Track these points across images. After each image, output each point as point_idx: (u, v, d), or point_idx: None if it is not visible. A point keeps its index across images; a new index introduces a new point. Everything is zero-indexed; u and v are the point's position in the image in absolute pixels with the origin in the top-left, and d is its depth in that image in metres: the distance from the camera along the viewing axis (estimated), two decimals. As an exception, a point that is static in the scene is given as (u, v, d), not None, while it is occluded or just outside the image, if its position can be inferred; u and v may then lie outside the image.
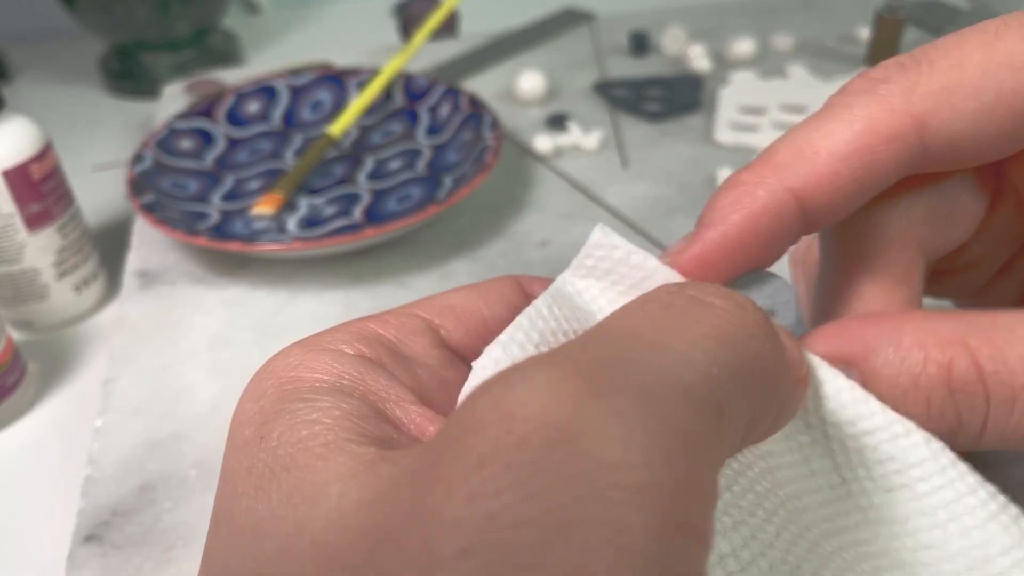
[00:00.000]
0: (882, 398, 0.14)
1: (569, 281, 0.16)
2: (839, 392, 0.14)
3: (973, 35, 0.15)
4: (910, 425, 0.14)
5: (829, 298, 0.17)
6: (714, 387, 0.11)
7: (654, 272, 0.15)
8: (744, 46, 0.47)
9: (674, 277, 0.15)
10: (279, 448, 0.12)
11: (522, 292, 0.17)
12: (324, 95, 0.42)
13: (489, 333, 0.15)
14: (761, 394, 0.12)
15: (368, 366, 0.14)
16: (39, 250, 0.32)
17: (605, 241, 0.16)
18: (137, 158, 0.36)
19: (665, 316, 0.12)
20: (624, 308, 0.13)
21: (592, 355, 0.11)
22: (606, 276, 0.16)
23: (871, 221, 0.17)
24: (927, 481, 0.14)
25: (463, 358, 0.16)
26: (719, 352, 0.11)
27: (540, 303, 0.15)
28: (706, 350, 0.11)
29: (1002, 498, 0.14)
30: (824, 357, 0.15)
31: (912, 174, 0.16)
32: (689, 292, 0.13)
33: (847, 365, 0.14)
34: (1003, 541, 0.14)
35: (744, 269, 0.16)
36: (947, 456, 0.14)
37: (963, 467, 0.14)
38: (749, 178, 0.16)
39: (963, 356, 0.14)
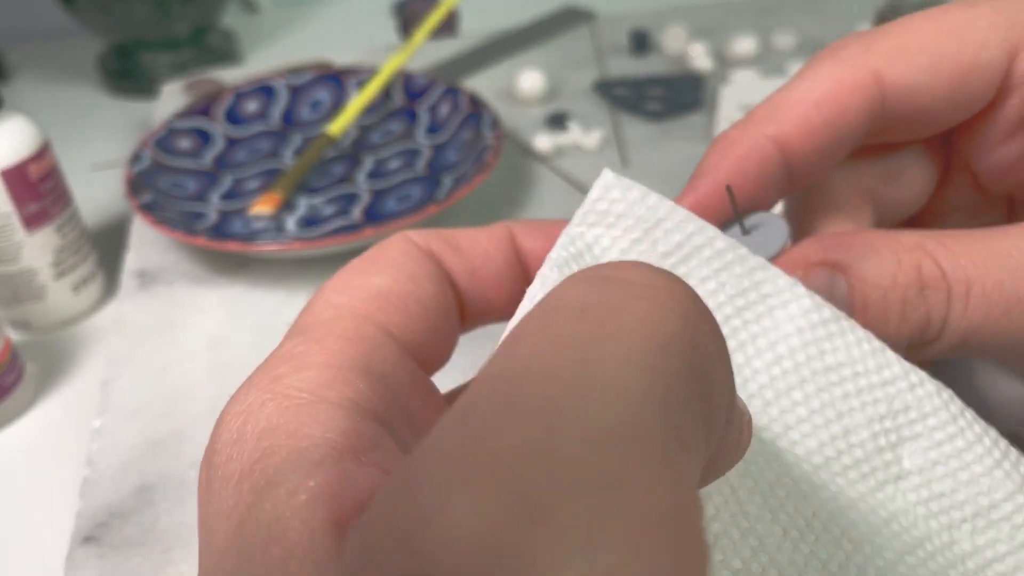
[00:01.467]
0: (867, 301, 0.16)
1: (578, 235, 0.15)
2: (859, 342, 0.15)
3: (920, 14, 0.18)
4: (923, 374, 0.15)
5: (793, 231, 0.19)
6: (669, 417, 0.09)
7: (671, 213, 0.15)
8: (745, 45, 0.47)
9: (691, 218, 0.15)
10: (257, 538, 0.11)
11: (511, 246, 0.16)
12: (323, 94, 0.42)
13: (427, 317, 0.14)
14: (712, 394, 0.10)
15: (358, 422, 0.12)
16: (37, 250, 0.31)
17: (617, 183, 0.15)
18: (136, 158, 0.36)
19: (583, 337, 0.09)
20: (527, 332, 0.10)
21: (511, 442, 0.08)
22: (619, 221, 0.15)
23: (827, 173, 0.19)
24: (942, 430, 0.14)
25: (424, 362, 0.15)
26: (664, 365, 0.09)
27: (548, 272, 0.14)
28: (648, 368, 0.09)
29: (1003, 443, 0.15)
30: (816, 263, 0.17)
31: (879, 131, 0.18)
32: (605, 273, 0.10)
33: (834, 272, 0.16)
34: (1007, 487, 0.14)
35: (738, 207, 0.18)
36: (956, 404, 0.14)
37: (970, 414, 0.14)
38: (733, 133, 0.17)
39: (927, 259, 0.16)
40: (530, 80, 0.44)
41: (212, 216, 0.35)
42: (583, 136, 0.40)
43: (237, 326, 0.30)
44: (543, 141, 0.39)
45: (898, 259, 0.16)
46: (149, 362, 0.28)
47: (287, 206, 0.35)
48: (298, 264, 0.33)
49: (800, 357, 0.15)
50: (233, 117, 0.40)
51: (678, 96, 0.43)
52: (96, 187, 0.44)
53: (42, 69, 0.61)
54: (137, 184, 0.34)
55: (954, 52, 0.17)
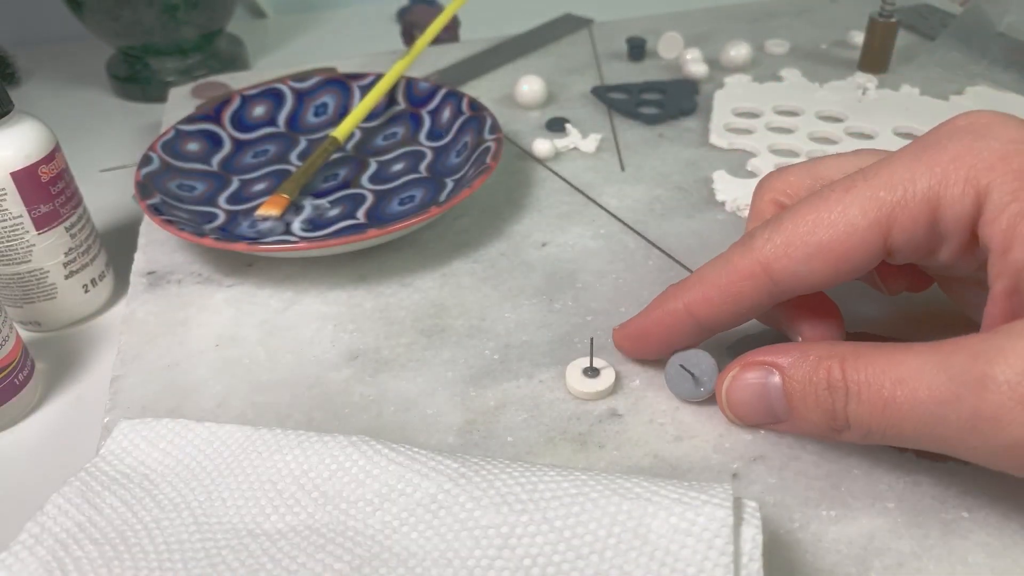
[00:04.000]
0: (792, 391, 0.22)
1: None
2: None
3: (814, 200, 0.22)
4: None
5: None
6: None
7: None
8: (739, 51, 0.48)
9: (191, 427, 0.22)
10: None
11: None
12: (328, 99, 0.43)
13: None
14: None
15: None
16: (47, 250, 0.32)
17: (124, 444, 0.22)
18: (145, 160, 0.36)
19: None
20: None
21: None
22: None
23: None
24: None
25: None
26: None
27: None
28: None
29: None
30: (756, 362, 0.23)
31: (777, 300, 0.23)
32: None
33: (770, 369, 0.22)
34: None
35: (660, 347, 0.26)
36: None
37: None
38: (667, 292, 0.25)
39: (837, 366, 0.21)
40: (530, 85, 0.45)
41: (220, 217, 0.35)
42: (582, 140, 0.41)
43: (244, 325, 0.30)
44: (543, 145, 0.40)
45: (817, 364, 0.21)
46: (157, 360, 0.29)
47: (293, 208, 0.36)
48: (304, 264, 0.34)
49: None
50: (240, 121, 0.41)
51: (674, 101, 0.44)
52: (106, 189, 0.45)
53: (52, 73, 0.62)
54: (146, 186, 0.35)
55: (828, 242, 0.21)
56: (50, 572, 0.18)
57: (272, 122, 0.42)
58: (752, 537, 0.18)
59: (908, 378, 0.19)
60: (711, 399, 0.25)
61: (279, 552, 0.19)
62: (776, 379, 0.22)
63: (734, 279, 0.23)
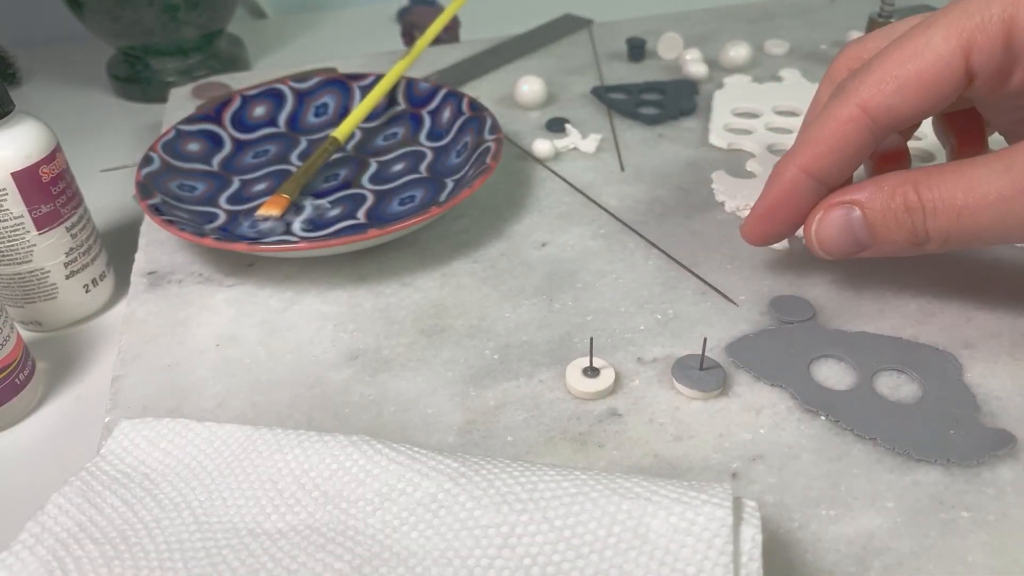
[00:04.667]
0: (874, 221, 0.25)
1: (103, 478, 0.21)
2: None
3: (898, 41, 0.24)
4: None
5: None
6: None
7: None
8: (739, 52, 0.48)
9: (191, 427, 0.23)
10: None
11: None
12: (329, 99, 0.43)
13: None
14: None
15: None
16: (48, 250, 0.32)
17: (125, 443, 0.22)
18: (145, 160, 0.36)
19: None
20: None
21: None
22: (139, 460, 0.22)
23: None
24: None
25: None
26: None
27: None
28: None
29: None
30: (835, 203, 0.26)
31: (879, 139, 0.25)
32: None
33: (850, 206, 0.25)
34: None
35: (789, 220, 0.27)
36: None
37: None
38: (778, 166, 0.27)
39: (911, 191, 0.24)
40: (530, 85, 0.45)
41: (220, 217, 0.36)
42: (581, 140, 0.41)
43: (244, 325, 0.31)
44: (542, 145, 0.40)
45: (892, 191, 0.24)
46: (158, 360, 0.29)
47: (293, 208, 0.36)
48: (304, 264, 0.34)
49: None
50: (241, 121, 0.41)
51: (674, 101, 0.44)
52: (106, 189, 0.45)
53: (53, 74, 0.62)
54: (147, 186, 0.35)
55: (916, 71, 0.24)
56: (51, 572, 0.18)
57: (272, 122, 0.42)
58: (752, 537, 0.18)
59: (976, 185, 0.22)
60: (711, 398, 0.26)
61: (279, 551, 0.19)
62: (857, 213, 0.25)
63: (836, 127, 0.25)
